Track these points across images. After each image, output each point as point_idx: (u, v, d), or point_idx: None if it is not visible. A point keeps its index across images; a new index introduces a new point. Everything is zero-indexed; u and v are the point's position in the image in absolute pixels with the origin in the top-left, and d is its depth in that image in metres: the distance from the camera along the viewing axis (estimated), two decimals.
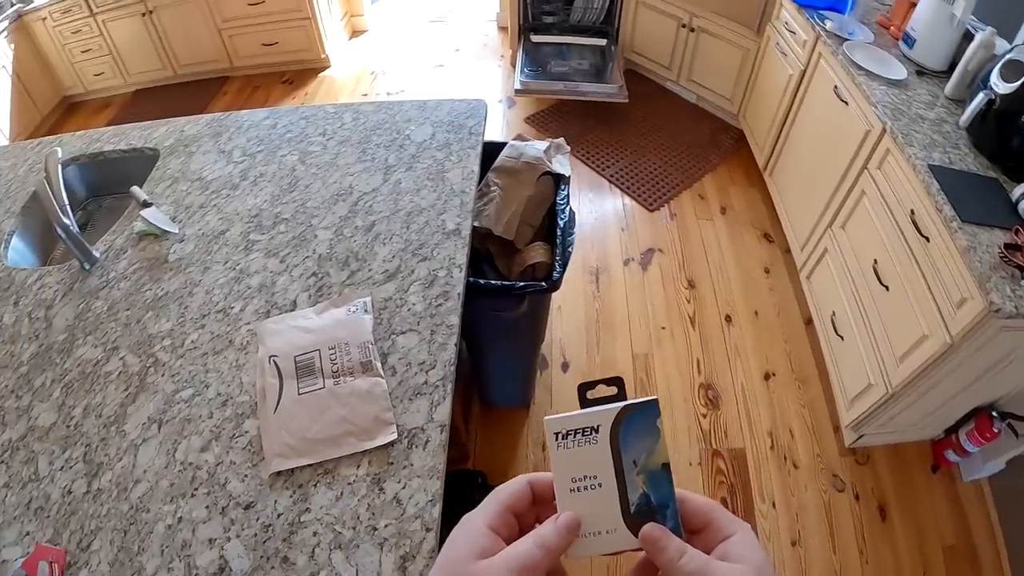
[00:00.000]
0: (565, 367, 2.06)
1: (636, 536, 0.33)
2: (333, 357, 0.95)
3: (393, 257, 1.18)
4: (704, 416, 1.88)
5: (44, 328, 1.23)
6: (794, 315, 2.13)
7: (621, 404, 0.35)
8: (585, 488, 0.34)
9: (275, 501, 0.87)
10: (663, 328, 2.11)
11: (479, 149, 1.40)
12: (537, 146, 1.53)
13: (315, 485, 0.87)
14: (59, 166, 1.41)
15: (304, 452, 0.87)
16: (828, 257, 1.98)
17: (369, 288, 1.12)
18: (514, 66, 3.08)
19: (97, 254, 1.34)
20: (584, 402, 0.37)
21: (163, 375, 1.07)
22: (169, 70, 3.86)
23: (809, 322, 2.07)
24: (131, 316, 1.19)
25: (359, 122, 1.55)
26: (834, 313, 1.89)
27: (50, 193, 1.31)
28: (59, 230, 1.28)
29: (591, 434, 0.35)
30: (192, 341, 1.11)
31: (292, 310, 1.10)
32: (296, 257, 1.22)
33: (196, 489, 0.91)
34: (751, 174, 2.70)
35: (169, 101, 3.78)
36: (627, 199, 2.63)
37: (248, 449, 0.93)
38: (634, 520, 0.34)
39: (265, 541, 0.84)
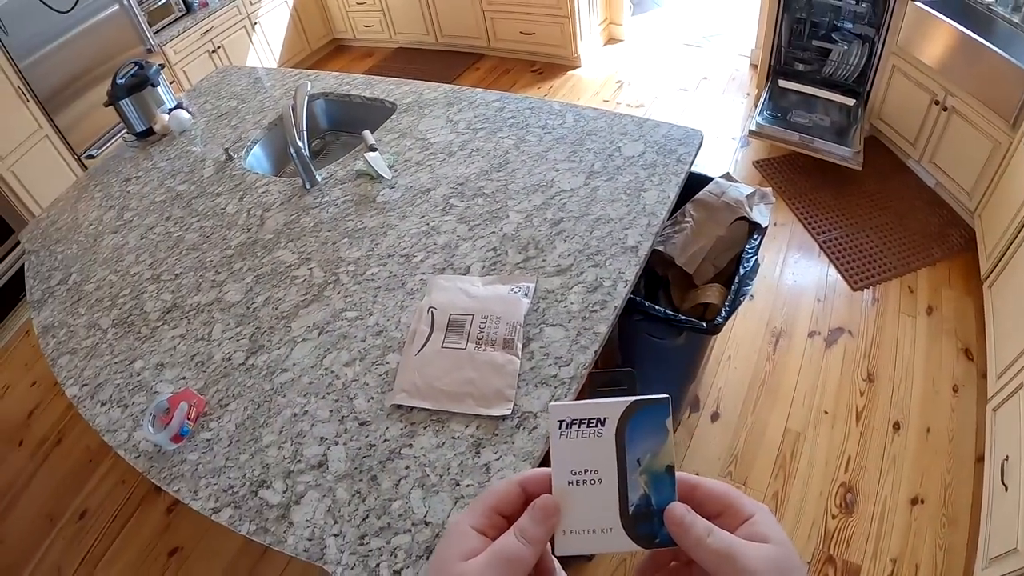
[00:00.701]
0: (715, 417, 2.47)
1: (630, 538, 0.41)
2: (483, 326, 1.32)
3: (568, 255, 1.55)
4: (834, 517, 2.15)
5: (257, 225, 1.92)
6: (967, 446, 2.30)
7: (631, 399, 0.42)
8: (584, 482, 0.42)
9: (386, 428, 1.27)
10: (825, 412, 2.44)
11: (682, 178, 1.72)
12: (741, 189, 1.81)
13: (424, 427, 1.25)
14: (306, 97, 2.13)
15: (427, 396, 1.24)
16: (1022, 393, 2.01)
17: (537, 276, 1.50)
18: (756, 107, 3.57)
19: (319, 179, 2.01)
20: (594, 392, 0.45)
21: (339, 293, 1.61)
22: (431, 36, 5.05)
23: (980, 460, 2.23)
24: (329, 237, 1.80)
25: (578, 124, 2.00)
26: (1007, 458, 1.94)
27: (292, 118, 2.00)
28: (292, 150, 1.96)
29: (596, 426, 0.42)
30: (372, 274, 1.64)
31: (464, 274, 1.54)
32: (484, 230, 1.67)
33: (328, 393, 1.38)
34: (970, 281, 2.87)
35: (425, 64, 4.92)
36: (833, 270, 2.99)
37: (383, 378, 1.36)
38: (631, 521, 0.41)
39: (364, 456, 1.25)
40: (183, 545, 2.54)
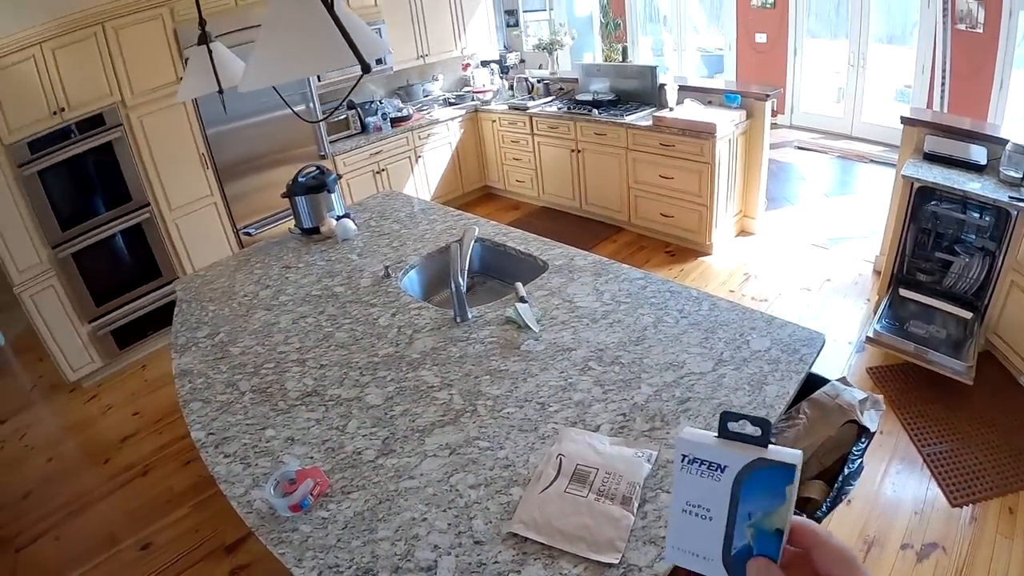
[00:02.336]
0: None
1: (727, 573, 0.49)
2: (605, 480, 1.53)
3: None
4: None
5: (406, 343, 2.28)
6: None
7: (757, 455, 0.47)
8: (696, 515, 0.50)
9: (499, 551, 1.44)
10: None
11: (802, 377, 1.90)
12: (855, 394, 2.00)
13: (535, 559, 1.40)
14: (473, 240, 2.58)
15: (543, 531, 1.43)
16: None
17: (659, 446, 1.75)
18: (875, 313, 3.82)
19: (469, 315, 2.40)
20: (723, 431, 0.50)
21: (474, 423, 1.88)
22: (576, 202, 5.66)
23: None
24: (473, 370, 2.11)
25: (712, 313, 2.29)
26: None
27: (459, 256, 2.43)
28: (453, 284, 2.37)
29: (717, 471, 0.48)
30: (508, 412, 1.91)
31: (594, 431, 1.76)
32: (616, 395, 1.95)
33: (449, 507, 1.63)
34: None
35: (566, 226, 5.46)
36: (933, 484, 3.05)
37: (504, 507, 1.55)
38: (731, 562, 0.48)
39: (473, 572, 1.42)
40: None
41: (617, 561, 1.39)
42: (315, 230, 3.31)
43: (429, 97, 6.29)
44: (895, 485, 3.10)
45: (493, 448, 1.78)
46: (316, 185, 3.27)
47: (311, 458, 1.84)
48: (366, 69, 1.36)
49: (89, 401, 4.46)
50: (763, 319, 2.21)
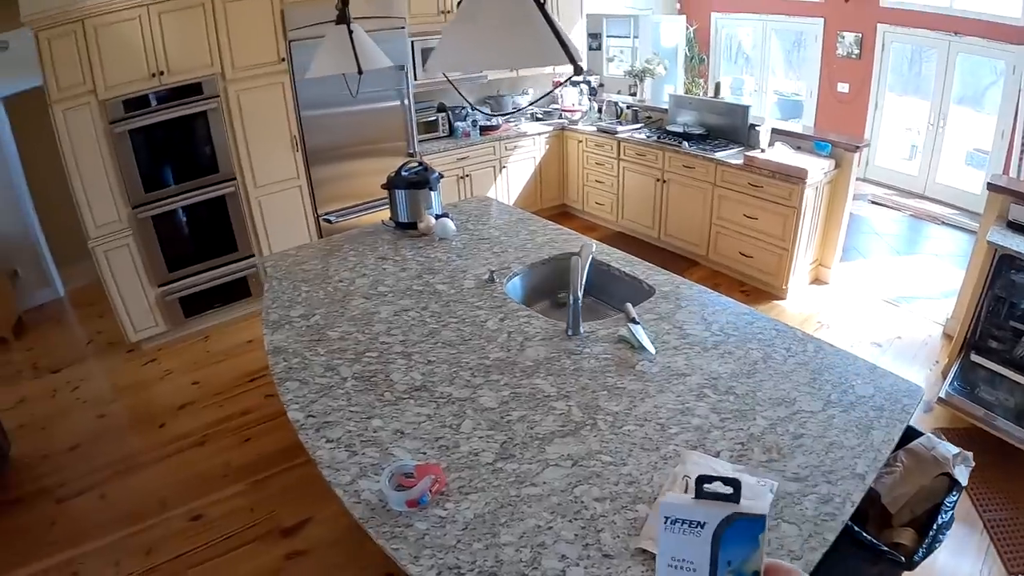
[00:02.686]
0: None
1: None
2: None
3: (806, 467, 1.76)
4: None
5: (517, 349, 2.26)
6: None
7: (731, 510, 0.55)
8: (681, 568, 0.58)
9: (628, 567, 1.44)
10: None
11: (904, 425, 1.94)
12: (950, 448, 2.05)
13: None
14: (590, 256, 2.57)
15: None
16: None
17: (777, 478, 1.74)
18: (944, 376, 3.83)
19: (581, 330, 2.38)
20: (700, 493, 0.57)
21: (595, 436, 1.87)
22: (655, 231, 5.64)
23: None
24: (589, 385, 2.09)
25: (818, 356, 2.27)
26: None
27: (579, 271, 2.42)
28: (571, 298, 2.35)
29: (697, 527, 0.56)
30: (628, 430, 1.90)
31: (715, 457, 1.76)
32: (733, 424, 1.92)
33: (575, 518, 1.59)
34: None
35: (641, 254, 5.24)
36: (992, 550, 3.04)
37: (631, 522, 1.56)
38: None
39: None
40: None
41: None
42: (411, 225, 3.32)
43: (518, 110, 6.32)
44: (954, 548, 3.08)
45: (616, 464, 1.77)
46: (418, 181, 3.29)
47: (423, 454, 1.82)
48: (579, 71, 1.37)
49: (147, 364, 4.50)
50: (866, 366, 2.22)
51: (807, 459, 1.78)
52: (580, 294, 2.34)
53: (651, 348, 2.26)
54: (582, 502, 1.64)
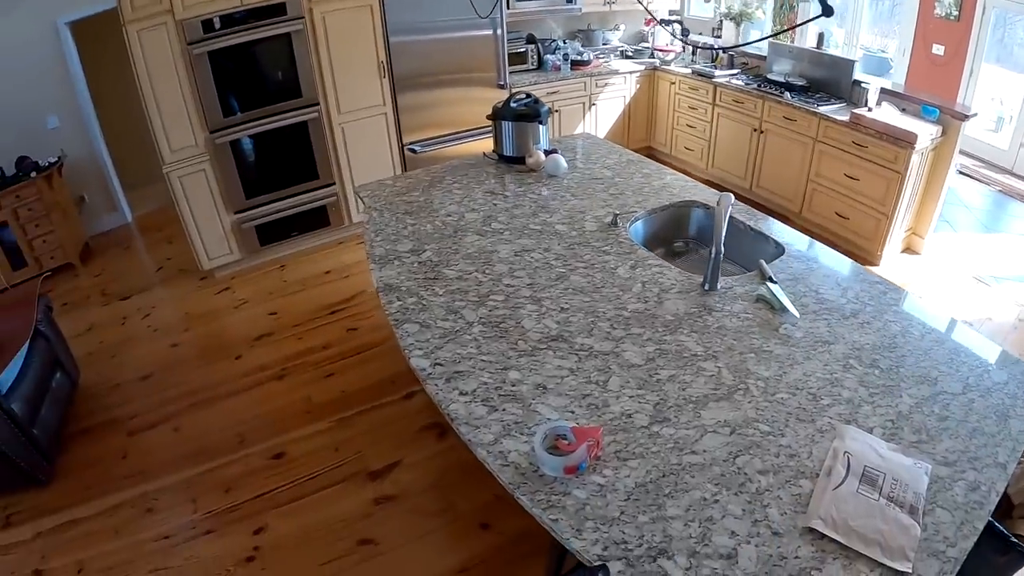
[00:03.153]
0: None
1: None
2: (893, 486, 1.52)
3: (953, 452, 1.65)
4: None
5: (655, 302, 2.12)
6: None
7: None
8: None
9: (798, 546, 1.38)
10: None
11: None
12: None
13: (834, 558, 1.36)
14: (729, 208, 2.35)
15: (840, 531, 1.41)
16: None
17: (931, 461, 1.62)
18: None
19: (718, 286, 2.20)
20: None
21: (749, 402, 1.74)
22: (746, 183, 5.39)
23: None
24: (735, 345, 1.96)
25: (950, 334, 2.15)
26: None
27: (722, 223, 2.22)
28: (714, 251, 2.16)
29: None
30: (781, 398, 1.77)
31: (866, 430, 1.69)
32: (881, 400, 1.79)
33: (740, 492, 1.48)
34: None
35: None
36: None
37: (796, 498, 1.48)
38: None
39: (775, 565, 1.32)
40: (380, 541, 2.63)
41: (910, 570, 1.36)
42: (517, 160, 3.17)
43: (608, 46, 6.07)
44: None
45: (774, 434, 1.67)
46: (528, 113, 3.12)
47: (572, 412, 1.70)
48: (828, 12, 1.21)
49: (220, 292, 4.44)
50: (998, 351, 2.12)
51: (953, 443, 1.71)
52: (722, 248, 2.15)
53: (794, 311, 2.12)
54: (745, 474, 1.55)
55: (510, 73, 4.99)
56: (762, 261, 2.38)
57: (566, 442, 1.54)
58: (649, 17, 6.15)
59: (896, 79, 7.45)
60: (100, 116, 5.33)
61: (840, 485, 1.52)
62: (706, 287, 2.22)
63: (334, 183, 4.60)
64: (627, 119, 5.92)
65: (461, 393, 1.77)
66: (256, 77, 4.15)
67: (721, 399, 1.76)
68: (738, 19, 5.99)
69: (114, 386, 3.66)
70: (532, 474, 1.53)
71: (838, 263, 2.49)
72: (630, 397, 1.74)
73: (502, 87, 4.78)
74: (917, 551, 1.39)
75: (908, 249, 5.03)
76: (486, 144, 4.87)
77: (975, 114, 4.39)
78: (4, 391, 2.85)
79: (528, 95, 3.20)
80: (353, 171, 4.59)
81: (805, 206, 5.05)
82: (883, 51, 8.12)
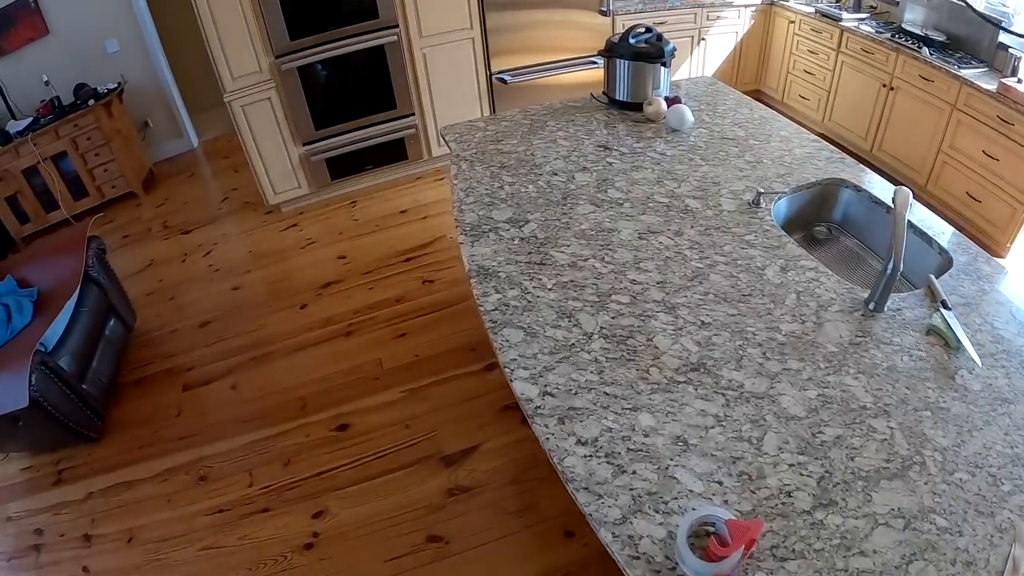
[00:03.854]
0: None
1: None
2: None
3: None
4: None
5: (814, 322, 1.73)
6: None
7: None
8: None
9: None
10: None
11: None
12: None
13: None
14: (908, 211, 1.85)
15: None
16: None
17: None
18: None
19: (886, 308, 1.79)
20: None
21: (926, 483, 1.37)
22: (867, 143, 4.83)
23: None
24: (908, 397, 1.56)
25: None
26: None
27: (902, 230, 1.73)
28: (891, 266, 1.68)
29: None
30: (960, 479, 1.39)
31: None
32: None
33: None
34: None
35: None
36: None
37: None
38: None
39: None
40: (451, 540, 2.38)
41: None
42: (632, 106, 2.75)
43: None
44: None
45: (951, 531, 1.30)
46: (649, 52, 2.69)
47: (719, 483, 1.35)
48: None
49: (287, 230, 4.16)
50: None
51: None
52: (900, 264, 1.73)
53: (974, 354, 1.69)
54: None
55: None
56: (932, 277, 1.93)
57: (716, 537, 1.18)
58: None
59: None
60: (162, 36, 5.06)
61: None
62: (871, 308, 1.80)
63: (413, 114, 4.24)
64: (737, 58, 5.37)
65: (579, 442, 1.43)
66: None
67: (894, 476, 1.38)
68: None
69: (171, 332, 3.45)
70: (668, 572, 1.20)
71: (1012, 284, 1.99)
72: (790, 466, 1.38)
73: (604, 13, 4.27)
74: None
75: None
76: (584, 78, 4.46)
77: None
78: (50, 348, 2.64)
79: (648, 29, 2.75)
80: (435, 101, 4.23)
81: (932, 180, 4.54)
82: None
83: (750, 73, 5.53)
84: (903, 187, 1.85)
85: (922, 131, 4.46)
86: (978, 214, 4.26)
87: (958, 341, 1.70)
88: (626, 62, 2.68)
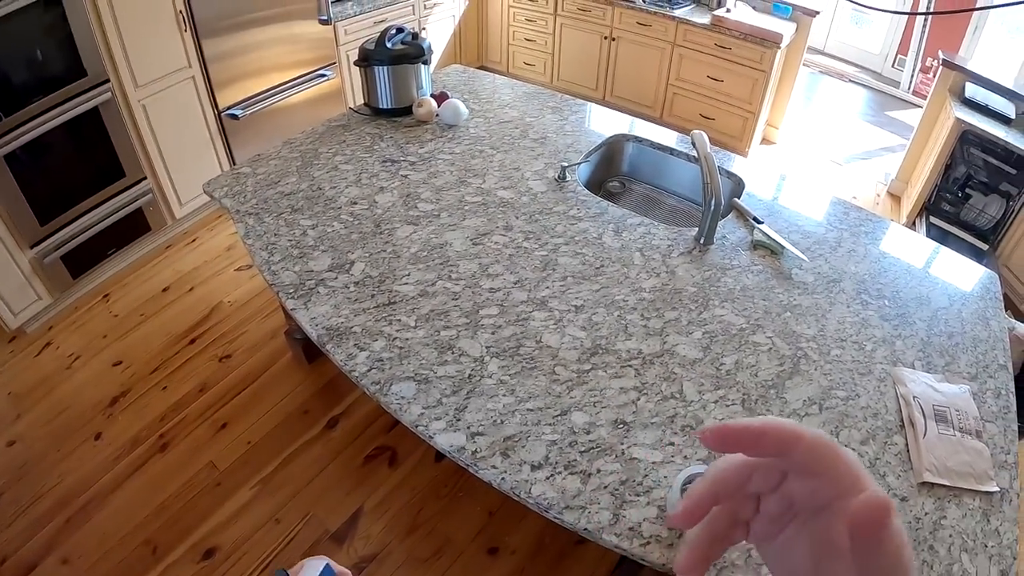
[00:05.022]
0: None
1: None
2: (959, 418, 1.66)
3: (970, 366, 1.79)
4: None
5: (667, 274, 1.93)
6: None
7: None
8: None
9: (923, 503, 1.44)
10: None
11: (1004, 312, 2.03)
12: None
13: (948, 501, 1.45)
14: (707, 148, 2.07)
15: (943, 475, 1.54)
16: None
17: (964, 382, 1.72)
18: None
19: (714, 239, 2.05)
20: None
21: (816, 370, 1.69)
22: (599, 93, 5.27)
23: None
24: (768, 307, 1.85)
25: (903, 244, 2.23)
26: None
27: (713, 166, 1.95)
28: (713, 202, 1.94)
29: None
30: (836, 355, 1.74)
31: (909, 367, 1.75)
32: (904, 331, 1.85)
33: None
34: None
35: None
36: None
37: (898, 457, 1.52)
38: None
39: (917, 529, 1.37)
40: None
41: (996, 488, 1.51)
42: (399, 111, 2.75)
43: None
44: None
45: (852, 397, 1.66)
46: (408, 53, 2.70)
47: (671, 444, 1.48)
48: None
49: (41, 353, 3.59)
50: (938, 252, 2.27)
51: (967, 357, 1.82)
52: (722, 198, 2.01)
53: (798, 252, 2.05)
54: (854, 449, 1.54)
55: (335, 2, 4.41)
56: (737, 201, 2.28)
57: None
58: None
59: None
60: None
61: (926, 433, 1.62)
62: (702, 241, 2.07)
63: (145, 177, 3.86)
64: (458, 40, 5.60)
65: (533, 467, 1.42)
66: (24, 60, 3.23)
67: (792, 374, 1.69)
68: None
69: None
70: (678, 541, 1.30)
71: (798, 187, 2.45)
72: (715, 402, 1.59)
73: (325, 22, 4.17)
74: (993, 469, 1.53)
75: (765, 140, 5.41)
76: (316, 93, 4.39)
77: (820, 12, 4.79)
78: None
79: (400, 29, 2.75)
80: (166, 157, 3.89)
81: (666, 110, 5.22)
82: None
83: (471, 52, 5.77)
84: (698, 131, 2.04)
85: (648, 70, 5.05)
86: (715, 130, 4.91)
87: (781, 247, 2.03)
88: (386, 67, 2.65)
